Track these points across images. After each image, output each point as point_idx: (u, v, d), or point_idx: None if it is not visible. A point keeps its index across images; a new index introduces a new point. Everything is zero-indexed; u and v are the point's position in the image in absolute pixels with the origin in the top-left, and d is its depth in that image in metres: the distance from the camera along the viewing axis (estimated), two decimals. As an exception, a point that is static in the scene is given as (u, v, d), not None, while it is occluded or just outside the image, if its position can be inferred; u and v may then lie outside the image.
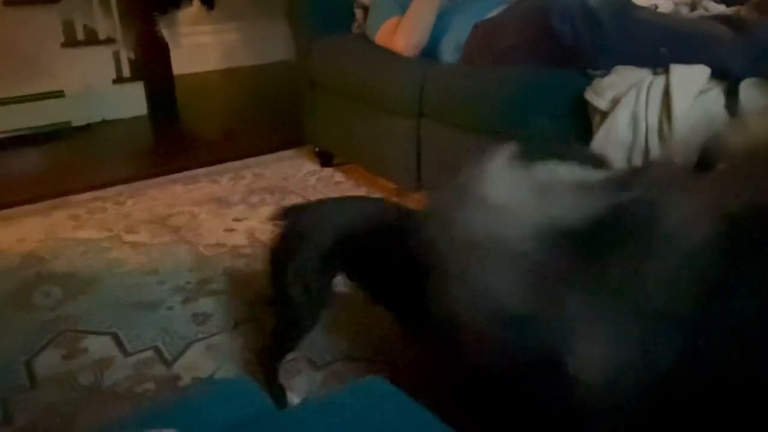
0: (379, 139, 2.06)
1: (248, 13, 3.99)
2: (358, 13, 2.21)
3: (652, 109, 1.30)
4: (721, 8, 1.57)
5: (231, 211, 2.05)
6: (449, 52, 1.86)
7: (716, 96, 1.27)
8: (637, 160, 1.30)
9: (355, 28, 2.25)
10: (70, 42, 2.88)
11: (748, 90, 1.25)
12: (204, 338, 1.40)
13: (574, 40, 1.45)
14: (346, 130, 2.23)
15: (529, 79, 1.58)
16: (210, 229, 1.93)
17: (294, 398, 1.19)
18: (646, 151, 1.29)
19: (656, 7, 1.59)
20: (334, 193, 2.17)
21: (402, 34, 1.92)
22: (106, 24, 2.98)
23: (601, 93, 1.35)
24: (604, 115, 1.34)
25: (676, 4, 1.61)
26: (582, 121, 1.41)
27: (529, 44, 1.60)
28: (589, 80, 1.42)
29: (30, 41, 2.77)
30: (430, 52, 1.91)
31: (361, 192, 2.18)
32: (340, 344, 1.35)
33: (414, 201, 1.88)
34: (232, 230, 1.92)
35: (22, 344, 1.40)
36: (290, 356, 1.27)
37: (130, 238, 1.88)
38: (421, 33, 1.90)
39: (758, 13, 1.46)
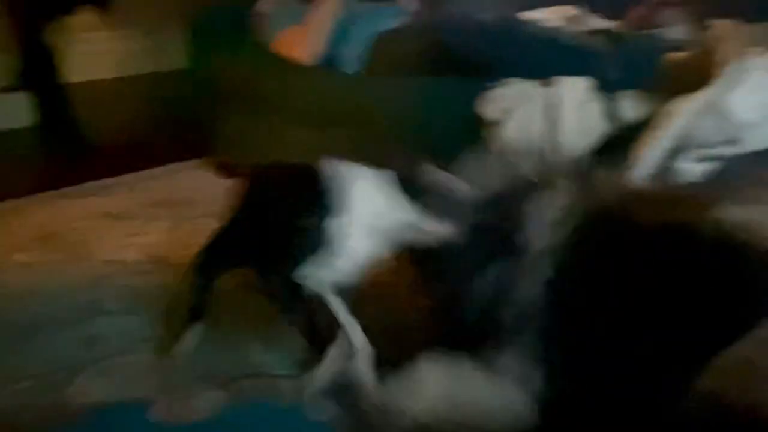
0: (284, 149, 2.04)
1: (147, 20, 3.87)
2: (257, 21, 2.19)
3: (541, 120, 1.36)
4: (603, 23, 1.66)
5: (128, 225, 1.97)
6: (349, 62, 1.88)
7: (598, 107, 1.35)
8: (528, 169, 1.36)
9: (254, 36, 2.22)
10: (-51, 50, 2.71)
11: (625, 101, 1.34)
12: (96, 362, 1.34)
13: (467, 54, 1.50)
14: (250, 140, 2.20)
15: (427, 90, 1.62)
16: (105, 245, 1.85)
17: None
18: (537, 160, 1.35)
19: (543, 22, 1.67)
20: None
21: (300, 43, 1.92)
22: (-10, 30, 2.82)
23: (492, 104, 1.41)
24: (496, 125, 1.39)
25: (560, 19, 1.69)
26: (478, 132, 1.46)
27: (427, 56, 1.64)
28: (484, 92, 1.47)
29: None
30: (329, 61, 1.92)
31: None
32: (247, 360, 1.32)
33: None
34: (128, 246, 1.84)
35: None
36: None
37: (18, 257, 1.78)
38: (319, 42, 1.91)
39: (635, 28, 1.56)
